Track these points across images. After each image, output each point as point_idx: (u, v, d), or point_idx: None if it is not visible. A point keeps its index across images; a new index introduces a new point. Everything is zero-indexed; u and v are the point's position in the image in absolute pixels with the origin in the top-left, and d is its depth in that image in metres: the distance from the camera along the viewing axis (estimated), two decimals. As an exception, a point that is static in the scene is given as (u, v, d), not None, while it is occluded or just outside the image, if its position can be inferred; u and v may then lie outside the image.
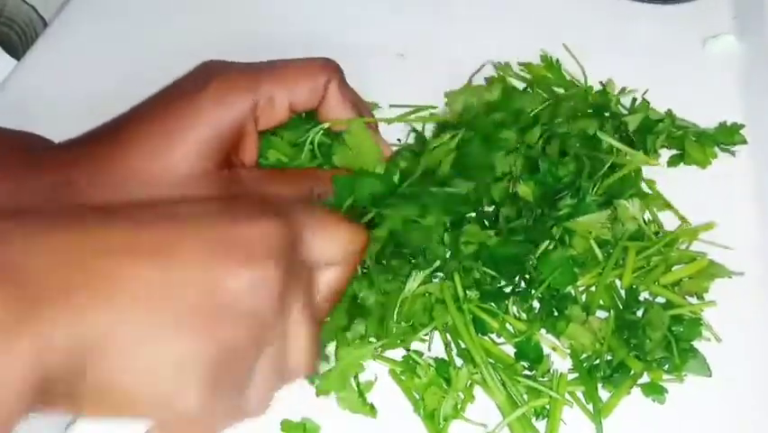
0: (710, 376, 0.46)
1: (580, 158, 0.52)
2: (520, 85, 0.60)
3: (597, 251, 0.48)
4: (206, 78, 0.47)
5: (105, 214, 0.34)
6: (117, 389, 0.30)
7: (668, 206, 0.53)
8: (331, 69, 0.50)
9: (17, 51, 0.74)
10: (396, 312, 0.46)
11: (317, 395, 0.45)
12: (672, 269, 0.49)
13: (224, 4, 0.71)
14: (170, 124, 0.45)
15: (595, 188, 0.50)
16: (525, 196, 0.50)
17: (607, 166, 0.51)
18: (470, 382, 0.45)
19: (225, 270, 0.32)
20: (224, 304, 0.32)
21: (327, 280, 0.39)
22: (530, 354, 0.46)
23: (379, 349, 0.47)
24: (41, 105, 0.62)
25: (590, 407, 0.45)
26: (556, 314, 0.47)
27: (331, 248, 0.38)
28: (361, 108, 0.52)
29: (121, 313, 0.30)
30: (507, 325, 0.47)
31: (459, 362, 0.47)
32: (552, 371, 0.46)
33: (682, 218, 0.53)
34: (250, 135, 0.47)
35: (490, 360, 0.45)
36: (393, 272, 0.47)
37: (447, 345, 0.47)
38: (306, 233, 0.37)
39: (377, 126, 0.53)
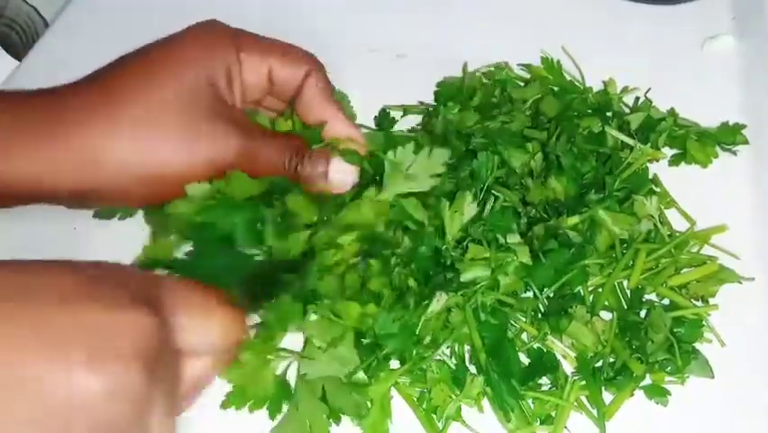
0: (713, 378, 0.45)
1: (601, 154, 0.51)
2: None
3: (618, 248, 0.47)
4: (191, 28, 0.47)
5: None
6: None
7: (673, 203, 0.52)
8: (315, 61, 0.50)
9: (18, 52, 0.73)
10: (417, 333, 0.45)
11: None
12: (682, 271, 0.48)
13: (225, 4, 0.70)
14: (157, 63, 0.45)
15: (614, 184, 0.50)
16: (556, 192, 0.49)
17: (626, 161, 0.51)
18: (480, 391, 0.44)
19: (76, 371, 0.26)
20: (75, 410, 0.26)
21: (195, 369, 0.34)
22: (545, 363, 0.45)
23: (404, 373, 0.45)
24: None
25: (594, 410, 0.44)
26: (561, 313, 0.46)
27: (204, 338, 0.34)
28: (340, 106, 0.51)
29: None
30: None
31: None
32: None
33: (687, 216, 0.52)
34: (236, 80, 0.47)
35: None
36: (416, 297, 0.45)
37: (462, 359, 0.46)
38: (179, 319, 0.32)
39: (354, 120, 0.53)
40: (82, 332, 0.27)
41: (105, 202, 0.47)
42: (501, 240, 0.46)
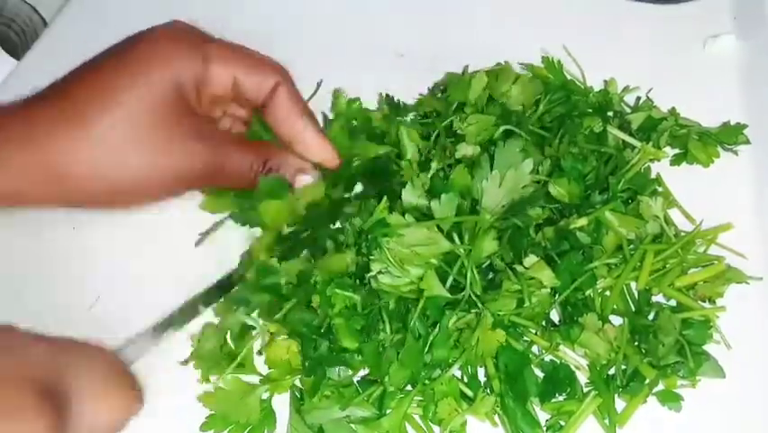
0: (724, 378, 0.45)
1: (602, 154, 0.51)
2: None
3: (626, 249, 0.47)
4: (154, 31, 0.46)
5: None
6: None
7: (675, 203, 0.52)
8: (282, 71, 0.48)
9: (17, 51, 0.73)
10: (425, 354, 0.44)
11: None
12: (689, 272, 0.48)
13: (225, 5, 0.70)
14: (120, 77, 0.44)
15: (619, 185, 0.49)
16: (559, 197, 0.48)
17: (631, 163, 0.50)
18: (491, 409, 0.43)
19: None
20: None
21: None
22: (562, 378, 0.44)
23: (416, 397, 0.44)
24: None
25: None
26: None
27: (101, 418, 0.35)
28: (310, 117, 0.50)
29: None
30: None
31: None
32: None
33: (689, 216, 0.51)
34: (203, 91, 0.46)
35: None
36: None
37: (474, 375, 0.45)
38: (79, 403, 0.34)
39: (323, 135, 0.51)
40: None
41: (77, 207, 0.47)
42: (520, 267, 0.45)
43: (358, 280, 0.46)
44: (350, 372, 0.45)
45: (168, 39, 0.45)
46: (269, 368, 0.46)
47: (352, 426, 0.43)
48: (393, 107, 0.57)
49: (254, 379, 0.46)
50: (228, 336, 0.47)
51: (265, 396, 0.45)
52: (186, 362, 0.47)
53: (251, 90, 0.47)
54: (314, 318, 0.45)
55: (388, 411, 0.43)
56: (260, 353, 0.47)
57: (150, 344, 0.44)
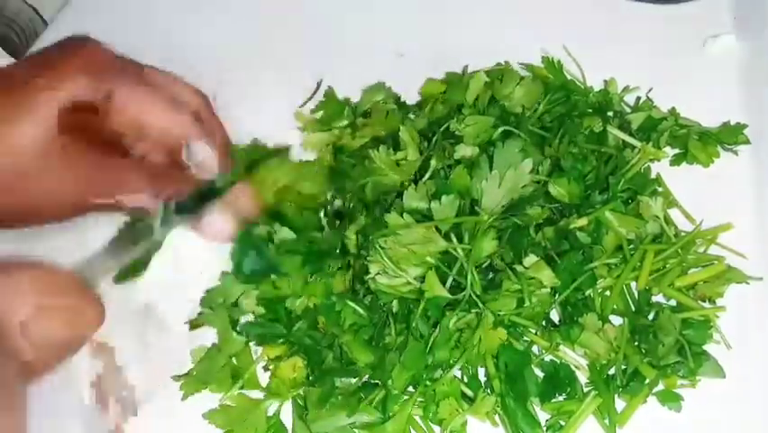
0: (724, 378, 0.44)
1: (602, 153, 0.51)
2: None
3: (626, 249, 0.47)
4: (63, 51, 0.44)
5: None
6: None
7: (675, 203, 0.52)
8: (201, 97, 0.48)
9: (17, 51, 0.73)
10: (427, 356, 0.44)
11: None
12: (689, 272, 0.48)
13: (225, 5, 0.70)
14: (7, 95, 0.42)
15: (619, 185, 0.49)
16: (559, 197, 0.48)
17: (631, 163, 0.50)
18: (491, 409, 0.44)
19: None
20: None
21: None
22: (562, 378, 0.44)
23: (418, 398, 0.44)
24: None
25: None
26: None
27: (55, 334, 0.35)
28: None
29: None
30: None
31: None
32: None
33: (689, 216, 0.51)
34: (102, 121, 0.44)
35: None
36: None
37: (475, 375, 0.45)
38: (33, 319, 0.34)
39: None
40: None
41: None
42: (520, 267, 0.45)
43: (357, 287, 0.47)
44: (353, 379, 0.45)
45: (70, 65, 0.43)
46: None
47: (357, 431, 0.43)
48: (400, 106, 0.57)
49: (255, 393, 0.47)
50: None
51: (273, 409, 0.45)
52: (179, 378, 0.47)
53: (157, 136, 0.46)
54: (318, 334, 0.46)
55: (391, 415, 0.43)
56: (265, 369, 0.47)
57: (108, 264, 0.44)
